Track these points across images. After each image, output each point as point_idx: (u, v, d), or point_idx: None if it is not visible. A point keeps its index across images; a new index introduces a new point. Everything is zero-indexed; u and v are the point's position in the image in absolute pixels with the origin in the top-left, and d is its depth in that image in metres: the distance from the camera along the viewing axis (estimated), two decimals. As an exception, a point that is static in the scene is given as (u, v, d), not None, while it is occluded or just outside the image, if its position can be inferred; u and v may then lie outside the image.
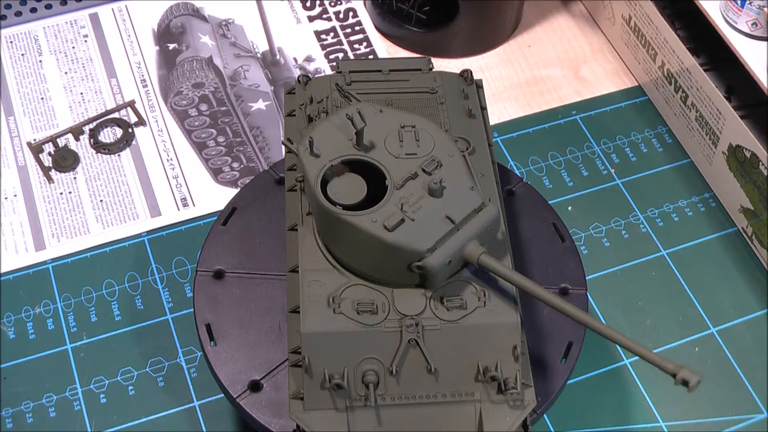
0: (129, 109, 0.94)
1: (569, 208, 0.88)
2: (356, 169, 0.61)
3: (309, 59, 0.99)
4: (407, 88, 0.71)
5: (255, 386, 0.64)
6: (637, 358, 0.79)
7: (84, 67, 0.97)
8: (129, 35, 1.00)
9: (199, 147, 0.92)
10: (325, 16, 1.03)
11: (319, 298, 0.59)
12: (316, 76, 0.74)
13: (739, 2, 0.81)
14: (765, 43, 0.82)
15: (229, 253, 0.70)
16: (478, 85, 0.74)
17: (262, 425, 0.62)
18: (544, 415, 0.75)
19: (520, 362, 0.59)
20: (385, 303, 0.59)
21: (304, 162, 0.61)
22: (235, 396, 0.63)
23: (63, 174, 0.89)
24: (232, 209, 0.73)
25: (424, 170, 0.60)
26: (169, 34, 1.00)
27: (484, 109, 0.72)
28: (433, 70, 0.73)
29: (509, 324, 0.59)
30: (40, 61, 0.98)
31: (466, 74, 0.73)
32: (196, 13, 1.02)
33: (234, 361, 0.65)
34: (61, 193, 0.88)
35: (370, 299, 0.59)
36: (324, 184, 0.60)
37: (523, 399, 0.59)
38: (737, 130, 0.84)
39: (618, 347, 0.79)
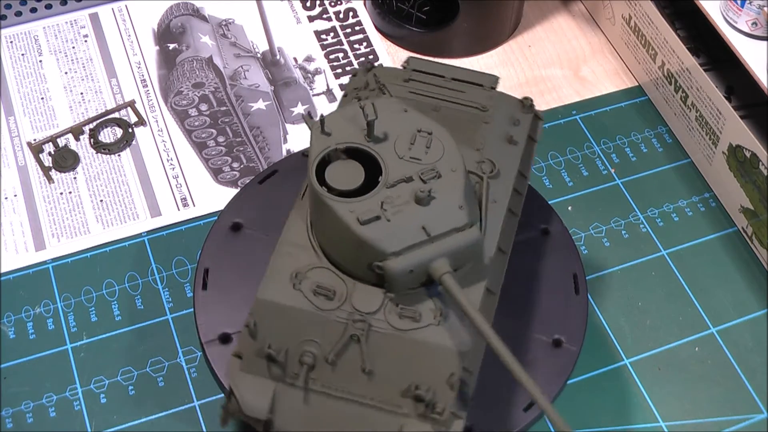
0: (129, 109, 0.94)
1: (569, 208, 0.88)
2: (360, 159, 0.61)
3: (309, 59, 0.99)
4: (460, 99, 0.71)
5: (225, 338, 0.65)
6: (637, 358, 0.79)
7: (84, 67, 0.97)
8: (129, 35, 1.00)
9: (199, 147, 0.92)
10: (325, 16, 1.03)
11: (285, 270, 0.60)
12: (382, 65, 0.74)
13: (739, 2, 0.81)
14: (765, 43, 0.82)
15: (255, 210, 0.71)
16: (538, 116, 0.72)
17: (216, 376, 0.64)
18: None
19: (456, 391, 0.58)
20: (344, 293, 0.60)
21: (312, 138, 0.61)
22: (203, 341, 0.65)
23: (63, 174, 0.89)
24: (273, 171, 0.73)
25: (420, 177, 0.60)
26: (169, 34, 1.00)
27: (533, 140, 0.71)
28: (497, 90, 0.72)
29: (452, 350, 0.58)
30: (40, 61, 0.98)
31: (526, 101, 0.72)
32: (196, 13, 1.02)
33: (216, 312, 0.66)
34: (61, 193, 0.88)
35: (331, 285, 0.60)
36: (325, 165, 0.61)
37: (448, 428, 0.58)
38: (737, 130, 0.84)
39: (618, 347, 0.79)
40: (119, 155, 0.91)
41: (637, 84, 0.98)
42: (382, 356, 0.59)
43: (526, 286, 0.72)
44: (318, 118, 0.62)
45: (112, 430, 0.75)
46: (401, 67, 0.73)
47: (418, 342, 0.58)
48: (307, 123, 0.62)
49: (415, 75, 0.72)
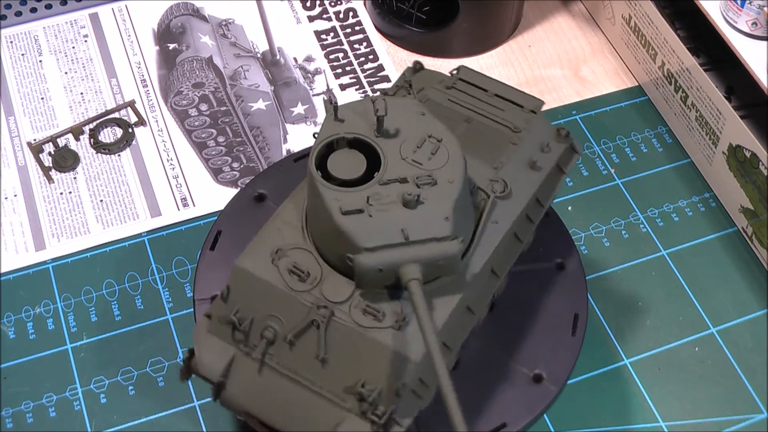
0: (129, 109, 0.94)
1: (569, 208, 0.88)
2: (365, 152, 0.62)
3: (309, 59, 0.99)
4: (495, 115, 0.70)
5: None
6: (637, 358, 0.79)
7: (84, 67, 0.97)
8: (129, 35, 1.00)
9: (199, 147, 0.92)
10: (325, 16, 1.03)
11: (269, 244, 0.62)
12: (429, 68, 0.74)
13: (739, 2, 0.81)
14: (765, 42, 0.82)
15: (283, 185, 0.72)
16: (574, 149, 0.71)
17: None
18: (544, 415, 0.75)
19: (401, 398, 0.58)
20: (317, 278, 0.60)
21: (324, 123, 0.62)
22: (195, 298, 0.66)
23: (63, 174, 0.89)
24: (304, 153, 0.75)
25: (415, 180, 0.60)
26: (169, 34, 1.00)
27: (562, 172, 0.70)
28: (537, 114, 0.71)
29: (405, 357, 0.58)
30: (40, 61, 0.98)
31: (562, 131, 0.70)
32: (196, 13, 1.02)
33: (217, 273, 0.67)
34: (61, 193, 0.88)
35: (307, 268, 0.61)
36: (331, 151, 0.61)
37: (385, 431, 0.58)
38: (737, 130, 0.84)
39: (618, 347, 0.79)
40: (119, 155, 0.91)
41: (637, 84, 0.98)
42: (337, 347, 0.59)
43: (525, 316, 0.72)
44: (330, 106, 0.63)
45: (112, 430, 0.75)
46: (449, 74, 0.73)
47: (374, 341, 0.58)
48: (326, 108, 0.63)
49: (459, 84, 0.73)
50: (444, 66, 0.99)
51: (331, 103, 0.62)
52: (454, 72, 0.74)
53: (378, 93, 0.73)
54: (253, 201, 0.77)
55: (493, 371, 0.69)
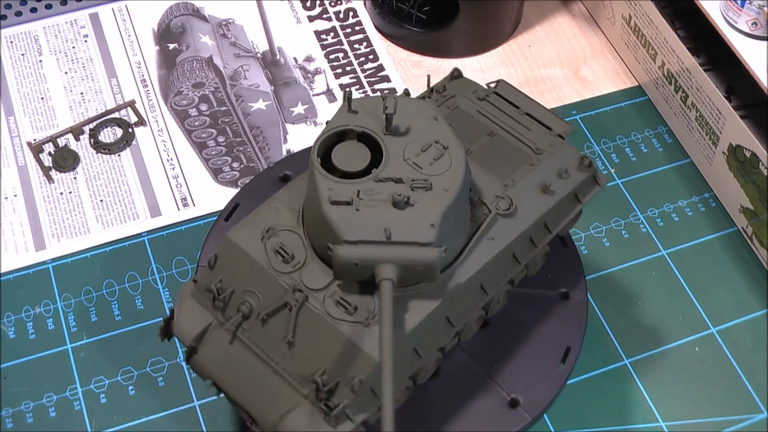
0: (129, 109, 0.94)
1: (569, 208, 0.88)
2: (371, 147, 0.62)
3: (309, 59, 0.99)
4: (520, 133, 0.70)
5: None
6: (637, 358, 0.79)
7: (84, 67, 0.97)
8: (129, 35, 1.00)
9: (199, 147, 0.92)
10: (325, 16, 1.03)
11: (263, 222, 0.63)
12: (466, 77, 0.74)
13: (739, 2, 0.81)
14: (765, 42, 0.82)
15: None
16: (596, 180, 0.70)
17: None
18: (544, 415, 0.75)
19: (357, 394, 0.58)
20: (300, 263, 0.61)
21: (337, 112, 0.63)
22: (198, 265, 0.68)
23: (63, 174, 0.89)
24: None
25: (411, 182, 0.60)
26: (169, 34, 1.00)
27: (579, 202, 0.69)
28: (564, 140, 0.70)
29: (367, 355, 0.58)
30: (40, 61, 0.98)
31: (584, 160, 0.69)
32: (196, 13, 1.02)
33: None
34: (61, 193, 0.88)
35: (292, 251, 0.61)
36: (339, 141, 0.62)
37: (334, 425, 0.59)
38: (737, 130, 0.84)
39: (618, 347, 0.79)
40: (119, 155, 0.91)
41: (637, 84, 0.98)
42: (305, 333, 0.60)
43: (517, 338, 0.71)
44: (350, 95, 0.63)
45: (112, 430, 0.75)
46: (486, 86, 0.73)
47: (339, 333, 0.59)
48: (343, 98, 0.64)
49: (493, 97, 0.72)
50: (444, 66, 0.99)
51: (349, 94, 0.63)
52: (492, 84, 0.73)
53: (399, 92, 0.72)
54: (278, 180, 0.78)
55: (472, 386, 0.69)
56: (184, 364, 0.78)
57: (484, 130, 0.70)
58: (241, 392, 0.62)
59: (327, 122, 0.63)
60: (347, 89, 0.66)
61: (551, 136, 0.70)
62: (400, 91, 0.96)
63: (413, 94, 0.95)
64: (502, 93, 0.73)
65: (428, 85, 0.69)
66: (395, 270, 0.57)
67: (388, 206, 0.59)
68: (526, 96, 0.73)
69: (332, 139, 0.62)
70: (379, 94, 0.64)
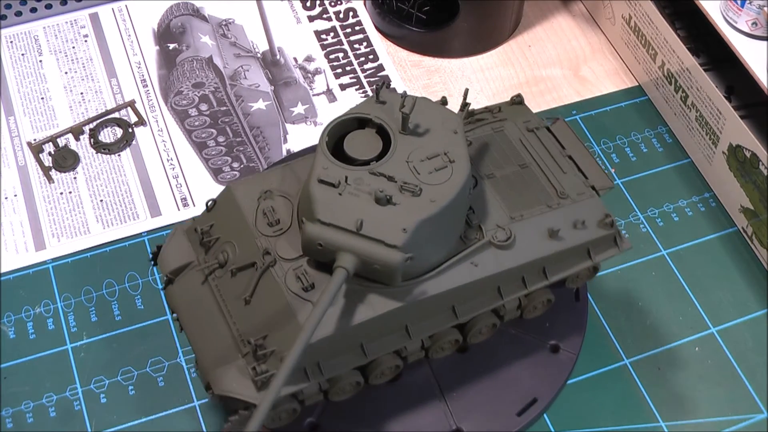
0: (129, 109, 0.94)
1: (569, 208, 0.88)
2: (386, 142, 0.62)
3: (309, 59, 0.99)
4: (552, 174, 0.69)
5: None
6: (637, 358, 0.79)
7: (84, 67, 0.97)
8: (129, 35, 1.00)
9: (199, 147, 0.92)
10: (325, 16, 1.03)
11: (266, 182, 0.66)
12: (527, 106, 0.73)
13: (739, 2, 0.81)
14: (765, 42, 0.82)
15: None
16: (617, 242, 0.68)
17: None
18: (544, 415, 0.75)
19: (281, 365, 0.58)
20: (282, 229, 0.62)
21: (366, 99, 0.64)
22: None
23: (63, 174, 0.89)
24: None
25: (402, 184, 0.60)
26: (169, 34, 1.00)
27: (589, 257, 0.67)
28: (598, 193, 0.69)
29: (300, 332, 0.58)
30: (40, 61, 0.98)
31: (608, 219, 0.67)
32: (196, 13, 1.02)
33: None
34: (61, 193, 0.88)
35: (280, 216, 0.63)
36: (356, 126, 0.63)
37: (257, 389, 0.59)
38: (737, 130, 0.84)
39: (618, 347, 0.79)
40: (119, 155, 0.91)
41: (637, 84, 0.98)
42: (261, 296, 0.61)
43: (487, 374, 0.70)
44: (383, 86, 0.64)
45: (112, 430, 0.75)
46: (544, 119, 0.72)
47: (288, 307, 0.60)
48: (376, 87, 0.64)
49: (542, 132, 0.71)
50: (444, 66, 0.99)
51: (384, 85, 0.64)
52: (552, 120, 0.72)
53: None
54: None
55: (425, 403, 0.68)
56: (184, 363, 0.78)
57: (517, 160, 0.69)
58: (194, 333, 0.63)
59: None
60: (384, 81, 0.67)
61: (584, 186, 0.68)
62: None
63: (411, 94, 0.95)
64: (554, 130, 0.71)
65: (464, 97, 0.67)
66: (354, 261, 0.58)
67: (370, 200, 0.59)
68: (579, 140, 0.71)
69: (353, 124, 0.63)
70: (410, 94, 0.63)
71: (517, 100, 0.73)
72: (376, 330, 0.61)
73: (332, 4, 1.04)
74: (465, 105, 0.67)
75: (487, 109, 0.72)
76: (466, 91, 0.67)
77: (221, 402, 0.60)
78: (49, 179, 0.89)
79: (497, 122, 0.71)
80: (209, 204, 0.66)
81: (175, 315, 0.65)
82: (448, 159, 0.62)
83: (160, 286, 0.82)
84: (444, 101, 0.67)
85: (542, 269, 0.66)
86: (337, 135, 0.63)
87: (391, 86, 0.66)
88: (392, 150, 0.61)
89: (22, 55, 0.98)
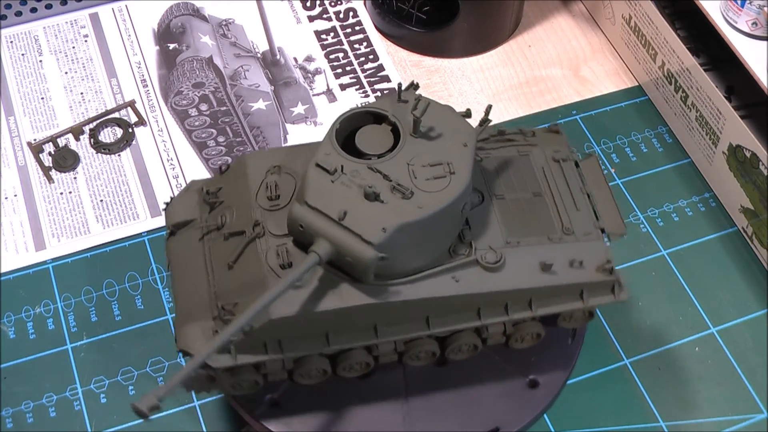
0: (129, 109, 0.94)
1: (569, 208, 0.88)
2: (396, 141, 0.63)
3: (309, 59, 0.99)
4: (564, 209, 0.67)
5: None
6: (637, 358, 0.79)
7: (84, 67, 0.97)
8: (129, 35, 1.00)
9: (200, 147, 0.92)
10: (325, 16, 1.03)
11: (280, 158, 0.66)
12: (564, 136, 0.71)
13: (739, 2, 0.81)
14: (765, 42, 0.82)
15: None
16: (613, 292, 0.66)
17: None
18: (544, 415, 0.75)
19: (246, 339, 0.60)
20: (279, 205, 0.63)
21: (388, 97, 0.64)
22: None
23: (63, 174, 0.89)
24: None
25: (397, 186, 0.60)
26: (169, 34, 1.00)
27: (580, 298, 0.66)
28: (608, 238, 0.67)
29: (267, 310, 0.60)
30: (40, 61, 0.98)
31: (608, 264, 0.65)
32: (196, 13, 1.02)
33: None
34: (61, 193, 0.88)
35: (281, 192, 0.64)
36: (372, 120, 0.63)
37: (217, 353, 0.60)
38: (737, 130, 0.84)
39: (618, 347, 0.79)
40: (119, 155, 0.91)
41: (637, 84, 0.98)
42: (242, 264, 0.62)
43: (457, 392, 0.69)
44: (407, 85, 0.64)
45: (112, 430, 0.75)
46: (578, 153, 0.71)
47: (262, 279, 0.60)
48: (398, 87, 0.65)
49: (567, 165, 0.69)
50: (444, 66, 0.99)
51: (411, 86, 0.65)
52: (587, 155, 0.71)
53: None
54: None
55: (387, 403, 0.68)
56: (184, 363, 0.78)
57: (532, 187, 0.68)
58: (179, 287, 0.65)
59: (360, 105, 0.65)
60: (412, 83, 0.66)
61: (593, 226, 0.67)
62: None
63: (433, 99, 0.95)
64: (583, 165, 0.70)
65: (486, 114, 0.65)
66: (329, 249, 0.58)
67: (360, 193, 0.59)
68: (604, 180, 0.70)
69: (368, 118, 0.63)
70: (427, 98, 0.63)
71: (554, 129, 0.72)
72: (343, 322, 0.62)
73: (332, 4, 1.04)
74: (485, 120, 0.66)
75: (521, 131, 0.71)
76: (489, 108, 0.66)
77: (185, 357, 0.62)
78: (49, 179, 0.89)
79: (526, 146, 0.70)
80: (223, 168, 0.68)
81: (168, 265, 0.67)
82: (449, 170, 0.61)
83: (161, 286, 0.82)
84: (468, 114, 0.66)
85: (528, 300, 0.64)
86: (351, 126, 0.63)
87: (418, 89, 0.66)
88: (397, 150, 0.61)
89: (22, 55, 0.98)
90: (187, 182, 0.69)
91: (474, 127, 0.65)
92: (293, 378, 0.66)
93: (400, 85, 0.64)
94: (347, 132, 0.63)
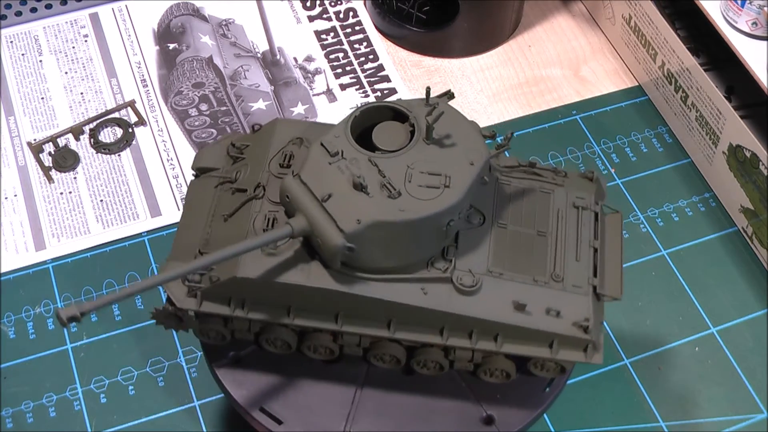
0: (129, 109, 0.94)
1: (569, 208, 0.88)
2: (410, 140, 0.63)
3: (309, 59, 0.99)
4: (563, 255, 0.64)
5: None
6: (637, 358, 0.79)
7: (84, 67, 0.97)
8: (129, 35, 1.00)
9: (199, 147, 0.91)
10: (325, 16, 1.03)
11: (307, 130, 0.67)
12: (596, 182, 0.69)
13: (739, 2, 0.81)
14: (765, 42, 0.82)
15: None
16: (585, 352, 0.63)
17: None
18: (544, 415, 0.75)
19: (214, 288, 0.62)
20: (287, 174, 0.64)
21: (418, 99, 0.64)
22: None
23: (63, 174, 0.89)
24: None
25: (387, 184, 0.60)
26: (169, 34, 1.00)
27: (562, 367, 0.64)
28: (598, 297, 0.64)
29: (235, 266, 0.61)
30: (41, 61, 0.98)
31: (585, 322, 0.62)
32: (196, 13, 1.02)
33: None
34: (61, 193, 0.88)
35: (294, 163, 0.66)
36: (393, 117, 0.63)
37: (185, 306, 0.63)
38: (737, 130, 0.84)
39: (618, 347, 0.79)
40: (119, 155, 0.91)
41: (637, 84, 0.98)
42: (237, 220, 0.64)
43: (408, 404, 0.67)
44: (447, 94, 0.64)
45: (112, 430, 0.75)
46: (601, 204, 0.68)
47: (243, 236, 0.62)
48: (426, 92, 0.65)
49: (586, 213, 0.66)
50: (444, 66, 0.99)
51: (447, 94, 0.65)
52: (606, 207, 0.68)
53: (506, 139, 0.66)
54: None
55: (338, 390, 0.68)
56: (184, 363, 0.78)
57: (539, 226, 0.66)
58: (182, 226, 0.67)
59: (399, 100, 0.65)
60: (448, 92, 0.66)
61: (586, 281, 0.64)
62: (402, 94, 0.96)
63: (410, 94, 0.95)
64: (601, 219, 0.67)
65: (507, 140, 0.64)
66: (303, 225, 0.59)
67: (350, 181, 0.60)
68: (621, 241, 0.67)
69: (388, 114, 0.63)
70: (445, 105, 0.63)
71: (589, 176, 0.69)
72: (306, 301, 0.62)
73: (332, 4, 1.04)
74: (503, 146, 0.64)
75: (554, 170, 0.68)
76: (511, 135, 0.65)
77: (166, 294, 0.64)
78: (49, 179, 0.89)
79: (551, 185, 0.67)
80: (255, 127, 0.70)
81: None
82: (445, 183, 0.60)
83: (161, 286, 0.82)
84: (492, 135, 0.65)
85: (495, 336, 0.63)
86: (372, 118, 0.63)
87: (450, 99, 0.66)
88: (403, 151, 0.61)
89: (22, 55, 0.98)
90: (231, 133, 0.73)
91: (489, 149, 0.63)
92: (259, 343, 0.67)
93: (428, 89, 0.63)
94: (368, 124, 0.63)
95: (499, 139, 0.65)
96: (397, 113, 0.63)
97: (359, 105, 0.65)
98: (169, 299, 0.63)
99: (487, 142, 0.64)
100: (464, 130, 0.63)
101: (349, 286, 0.61)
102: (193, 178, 0.70)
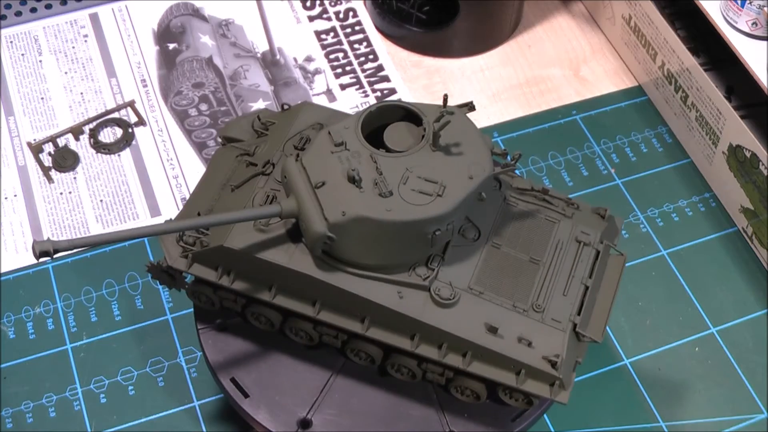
0: (129, 109, 0.94)
1: (569, 208, 0.88)
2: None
3: (309, 59, 0.99)
4: (551, 287, 0.63)
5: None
6: (637, 358, 0.79)
7: (84, 67, 0.97)
8: (129, 35, 1.00)
9: (199, 147, 0.92)
10: (325, 16, 1.03)
11: (329, 117, 0.69)
12: (611, 221, 0.68)
13: (739, 2, 0.81)
14: (765, 42, 0.82)
15: None
16: (550, 391, 0.62)
17: None
18: (544, 415, 0.75)
19: (205, 255, 0.64)
20: (299, 155, 0.65)
21: (433, 103, 0.65)
22: None
23: (63, 174, 0.89)
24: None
25: (381, 182, 0.60)
26: (169, 34, 1.00)
27: (529, 400, 0.64)
28: (578, 336, 0.63)
29: (227, 237, 0.63)
30: (40, 61, 0.98)
31: (554, 359, 0.61)
32: (196, 13, 1.02)
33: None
34: (61, 193, 0.88)
35: (307, 146, 0.67)
36: (407, 119, 0.64)
37: (178, 256, 0.65)
38: (737, 130, 0.84)
39: (618, 347, 0.79)
40: (119, 155, 0.91)
41: (637, 84, 0.98)
42: (242, 193, 0.65)
43: (371, 408, 0.67)
44: (468, 106, 0.65)
45: (112, 430, 0.75)
46: (610, 245, 0.67)
47: (244, 212, 0.63)
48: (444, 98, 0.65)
49: (587, 250, 0.65)
50: (444, 66, 0.99)
51: (468, 106, 0.65)
52: (611, 246, 0.67)
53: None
54: None
55: (310, 375, 0.68)
56: (184, 363, 0.78)
57: (534, 254, 0.65)
58: (197, 190, 0.69)
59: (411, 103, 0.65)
60: (470, 104, 0.66)
61: (567, 318, 0.62)
62: (401, 94, 0.96)
63: (410, 94, 0.95)
64: (602, 259, 0.66)
65: (515, 160, 0.63)
66: (292, 207, 0.60)
67: (341, 174, 0.60)
68: (616, 286, 0.66)
69: (400, 113, 0.64)
70: (455, 113, 0.63)
71: (602, 213, 0.68)
72: (287, 282, 0.63)
73: (332, 4, 1.04)
74: (509, 166, 0.64)
75: (567, 200, 0.67)
76: (519, 155, 0.64)
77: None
78: (49, 179, 0.89)
79: (559, 214, 0.67)
80: (285, 107, 0.71)
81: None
82: (438, 192, 0.60)
83: (160, 286, 0.82)
84: (513, 157, 0.65)
85: (463, 353, 0.62)
86: (387, 117, 0.63)
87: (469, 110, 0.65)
88: (406, 153, 0.61)
89: (22, 55, 0.98)
90: (216, 150, 0.74)
91: (493, 167, 0.63)
92: (245, 316, 0.68)
93: (446, 96, 0.63)
94: (384, 122, 0.63)
95: (509, 158, 0.65)
96: (412, 115, 0.63)
97: (375, 102, 0.66)
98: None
99: (497, 159, 0.63)
100: (474, 143, 0.62)
101: (327, 275, 0.62)
102: (221, 145, 0.72)
